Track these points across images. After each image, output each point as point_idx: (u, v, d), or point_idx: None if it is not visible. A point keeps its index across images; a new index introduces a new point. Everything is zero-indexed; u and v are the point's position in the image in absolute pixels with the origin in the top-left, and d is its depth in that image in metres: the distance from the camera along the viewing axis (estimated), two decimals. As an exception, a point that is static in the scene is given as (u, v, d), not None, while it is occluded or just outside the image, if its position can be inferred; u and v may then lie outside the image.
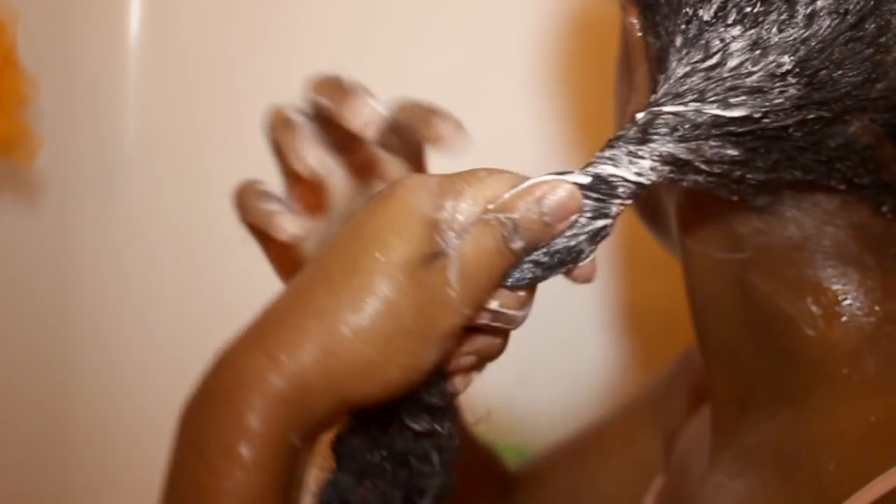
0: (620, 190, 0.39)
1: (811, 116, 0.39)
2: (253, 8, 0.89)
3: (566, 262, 0.40)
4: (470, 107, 0.87)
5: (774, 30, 0.38)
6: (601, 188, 0.39)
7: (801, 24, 0.38)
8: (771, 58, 0.38)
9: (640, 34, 0.44)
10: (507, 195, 0.38)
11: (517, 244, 0.38)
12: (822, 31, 0.38)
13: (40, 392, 0.89)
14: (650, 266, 0.77)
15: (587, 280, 0.41)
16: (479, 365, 0.43)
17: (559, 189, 0.38)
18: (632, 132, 0.40)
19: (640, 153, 0.39)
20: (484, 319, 0.40)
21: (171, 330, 0.93)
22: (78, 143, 0.88)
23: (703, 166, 0.40)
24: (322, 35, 0.88)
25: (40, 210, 0.86)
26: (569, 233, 0.39)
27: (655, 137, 0.39)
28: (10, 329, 0.86)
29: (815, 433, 0.42)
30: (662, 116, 0.39)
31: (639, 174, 0.39)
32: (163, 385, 0.95)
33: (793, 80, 0.38)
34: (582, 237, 0.40)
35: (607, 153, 0.40)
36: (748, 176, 0.40)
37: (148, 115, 0.90)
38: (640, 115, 0.40)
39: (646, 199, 0.50)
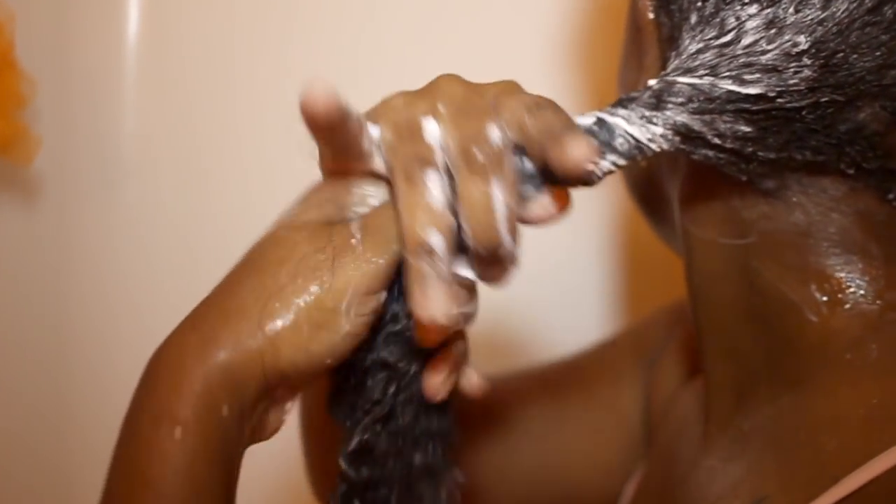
0: (619, 142, 0.40)
1: (824, 100, 0.39)
2: (251, 8, 0.88)
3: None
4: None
5: (791, 9, 0.39)
6: (601, 133, 0.40)
7: (817, 6, 0.38)
8: (787, 37, 0.39)
9: (651, 15, 0.44)
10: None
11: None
12: (839, 13, 0.38)
13: (38, 392, 0.89)
14: (655, 266, 0.77)
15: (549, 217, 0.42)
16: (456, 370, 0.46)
17: None
18: (646, 96, 0.40)
19: (653, 119, 0.40)
20: (459, 323, 0.42)
21: (168, 329, 0.93)
22: (76, 143, 0.88)
23: (715, 140, 0.40)
24: (323, 32, 0.88)
25: (39, 210, 0.86)
26: None
27: (670, 106, 0.39)
28: (8, 329, 0.86)
29: (815, 415, 0.42)
30: (678, 86, 0.40)
31: (650, 139, 0.40)
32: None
33: (808, 62, 0.38)
34: None
35: (621, 111, 0.40)
36: (759, 153, 0.40)
37: (146, 116, 0.90)
38: (653, 82, 0.40)
39: (646, 186, 0.50)
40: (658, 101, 0.40)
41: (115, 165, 0.90)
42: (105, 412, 0.97)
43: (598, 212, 0.87)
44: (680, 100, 0.39)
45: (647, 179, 0.50)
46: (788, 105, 0.39)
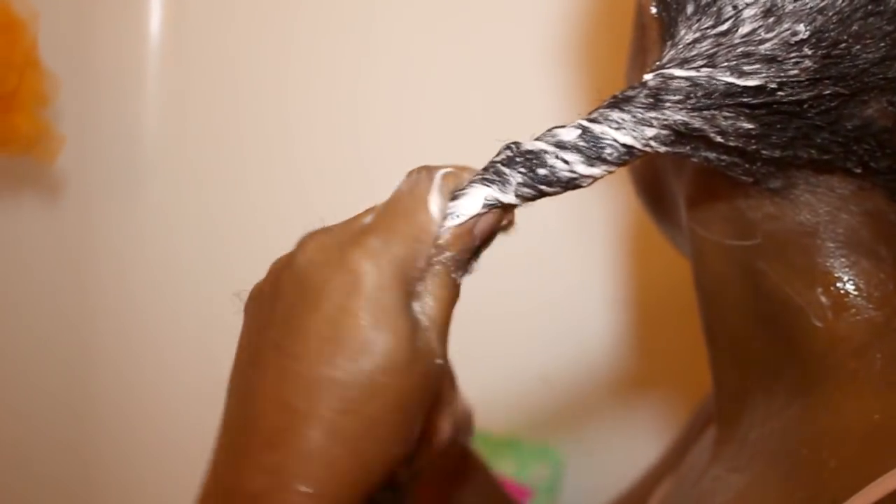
0: (607, 152, 0.39)
1: (827, 92, 0.37)
2: (273, 7, 0.89)
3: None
4: (488, 84, 0.88)
5: None
6: (587, 148, 0.39)
7: None
8: (785, 25, 0.37)
9: (654, 10, 0.43)
10: (444, 235, 0.39)
11: (460, 276, 0.40)
12: (839, 2, 0.37)
13: (62, 389, 0.90)
14: (659, 262, 0.77)
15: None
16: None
17: (487, 216, 0.40)
18: (642, 96, 0.39)
19: (649, 121, 0.38)
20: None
21: (191, 326, 0.93)
22: (99, 141, 0.88)
23: (717, 138, 0.39)
24: (346, 31, 0.88)
25: (62, 208, 0.87)
26: None
27: (668, 104, 0.38)
28: (32, 326, 0.86)
29: (818, 430, 0.41)
30: (674, 82, 0.38)
31: (643, 144, 0.39)
32: (183, 381, 0.95)
33: (808, 52, 0.37)
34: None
35: (613, 114, 0.39)
36: (763, 151, 0.39)
37: (168, 114, 0.90)
38: (649, 77, 0.39)
39: (653, 186, 0.50)
40: (655, 101, 0.38)
41: (137, 163, 0.90)
42: (127, 408, 0.97)
43: (603, 208, 0.86)
44: (678, 97, 0.38)
45: (654, 181, 0.49)
46: (790, 98, 0.38)
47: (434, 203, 0.39)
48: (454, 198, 0.40)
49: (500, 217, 0.40)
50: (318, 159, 0.88)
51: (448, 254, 0.39)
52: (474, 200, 0.40)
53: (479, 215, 0.39)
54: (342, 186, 0.84)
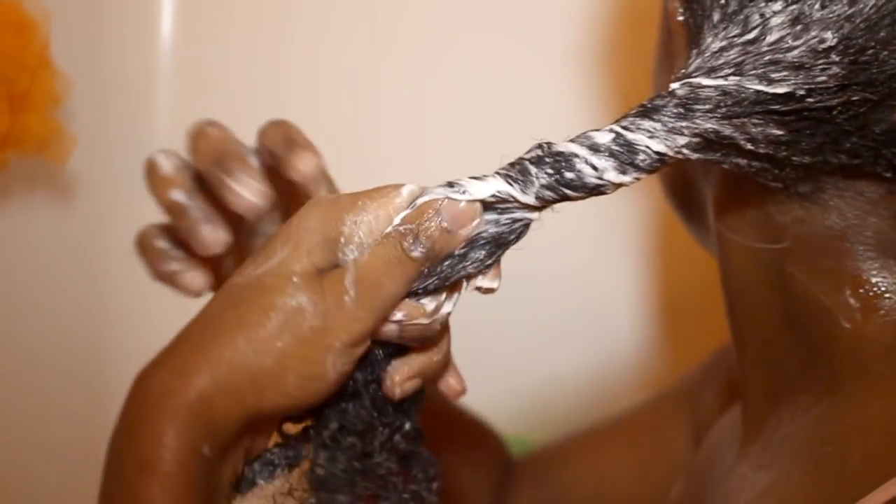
0: (640, 158, 0.39)
1: (855, 98, 0.38)
2: (285, 9, 0.89)
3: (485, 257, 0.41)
4: (511, 86, 0.88)
5: (817, 5, 0.38)
6: (621, 153, 0.39)
7: (844, 1, 0.37)
8: (813, 33, 0.38)
9: (681, 17, 0.43)
10: (409, 210, 0.40)
11: (417, 252, 0.39)
12: (866, 9, 0.37)
13: (75, 389, 0.90)
14: (684, 264, 0.76)
15: (490, 289, 0.42)
16: (426, 384, 0.45)
17: (468, 207, 0.40)
18: (672, 105, 0.39)
19: (681, 129, 0.39)
20: (391, 333, 0.41)
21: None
22: (111, 142, 0.89)
23: (748, 146, 0.39)
24: (358, 32, 0.88)
25: (74, 208, 0.87)
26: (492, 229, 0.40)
27: (698, 113, 0.38)
28: (44, 327, 0.86)
29: (844, 427, 0.42)
30: (703, 91, 0.39)
31: (675, 152, 0.39)
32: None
33: (836, 58, 0.37)
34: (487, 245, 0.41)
35: (644, 123, 0.39)
36: (793, 158, 0.40)
37: (180, 115, 0.90)
38: (676, 86, 0.39)
39: (682, 190, 0.50)
40: (685, 111, 0.39)
41: (149, 164, 0.90)
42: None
43: (631, 210, 0.86)
44: (707, 106, 0.38)
45: (684, 184, 0.49)
46: (819, 105, 0.38)
47: (409, 186, 0.40)
48: (472, 178, 0.40)
49: (477, 213, 0.40)
50: (330, 160, 0.88)
51: (407, 225, 0.40)
52: (486, 187, 0.40)
53: (473, 202, 0.40)
54: (354, 188, 0.84)
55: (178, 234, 0.50)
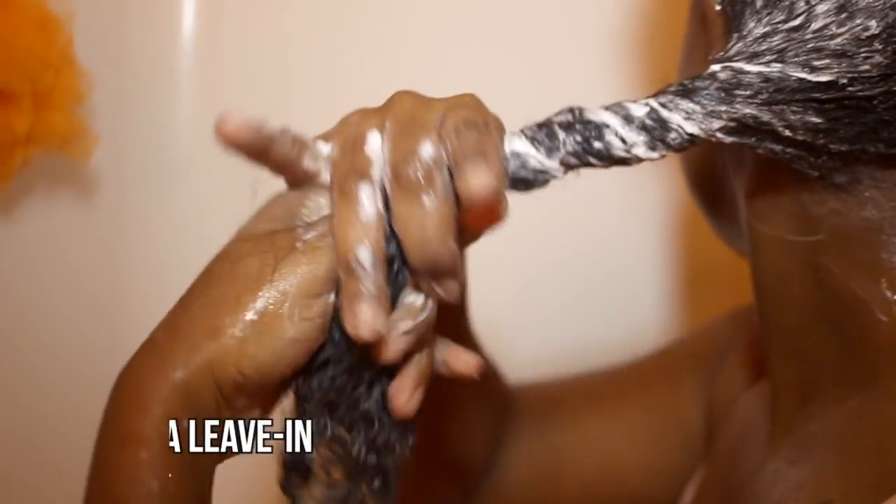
0: (671, 136, 0.39)
1: None
2: (307, 5, 0.89)
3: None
4: (548, 75, 0.87)
5: None
6: (654, 128, 0.39)
7: None
8: (858, 21, 0.38)
9: (718, 7, 0.43)
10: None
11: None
12: None
13: (96, 386, 0.90)
14: (717, 262, 0.76)
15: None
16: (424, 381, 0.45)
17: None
18: (713, 88, 0.39)
19: (719, 114, 0.39)
20: (408, 344, 0.41)
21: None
22: (133, 139, 0.89)
23: (785, 132, 0.39)
24: (382, 30, 0.88)
25: (96, 206, 0.87)
26: None
27: (738, 99, 0.38)
28: (67, 324, 0.87)
29: (882, 420, 0.42)
30: (746, 76, 0.38)
31: (708, 135, 0.39)
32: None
33: (879, 46, 0.37)
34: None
35: (683, 103, 0.39)
36: (831, 146, 0.39)
37: (202, 113, 0.90)
38: (717, 69, 0.39)
39: (710, 181, 0.49)
40: (727, 95, 0.39)
41: (171, 161, 0.90)
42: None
43: (655, 195, 0.85)
44: (749, 92, 0.38)
45: (710, 177, 0.49)
46: (860, 94, 0.38)
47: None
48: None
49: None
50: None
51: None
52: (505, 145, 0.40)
53: None
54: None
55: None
